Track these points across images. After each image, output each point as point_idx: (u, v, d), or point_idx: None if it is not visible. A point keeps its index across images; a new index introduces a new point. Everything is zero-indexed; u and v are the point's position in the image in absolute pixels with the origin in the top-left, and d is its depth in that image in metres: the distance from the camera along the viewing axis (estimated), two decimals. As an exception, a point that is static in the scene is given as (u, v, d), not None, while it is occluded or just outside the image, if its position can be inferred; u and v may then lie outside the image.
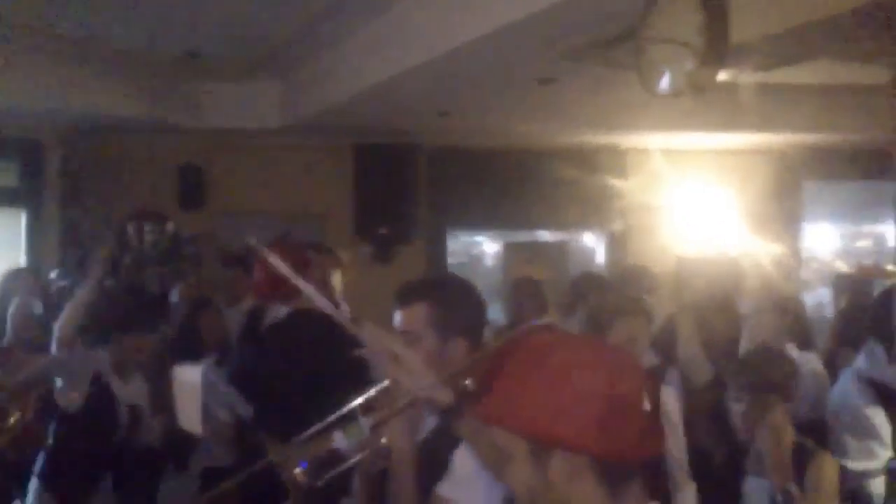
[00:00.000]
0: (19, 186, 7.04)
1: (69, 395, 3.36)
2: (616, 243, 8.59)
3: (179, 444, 3.74)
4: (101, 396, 3.57)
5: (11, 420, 2.24)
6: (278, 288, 3.55)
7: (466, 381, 1.98)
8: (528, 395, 1.41)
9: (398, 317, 2.20)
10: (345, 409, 2.03)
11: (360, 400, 2.03)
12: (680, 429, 3.28)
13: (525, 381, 1.43)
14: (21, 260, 6.80)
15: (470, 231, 8.90)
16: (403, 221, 7.91)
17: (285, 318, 3.71)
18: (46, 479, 3.45)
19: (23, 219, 7.04)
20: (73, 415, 3.52)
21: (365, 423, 1.93)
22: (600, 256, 9.00)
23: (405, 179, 7.91)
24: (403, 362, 1.98)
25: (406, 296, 2.20)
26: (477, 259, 9.20)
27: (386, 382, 2.02)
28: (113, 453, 3.56)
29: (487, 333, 2.46)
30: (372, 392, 2.04)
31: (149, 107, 6.76)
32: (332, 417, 1.99)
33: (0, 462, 2.32)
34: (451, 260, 8.60)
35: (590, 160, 8.15)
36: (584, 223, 8.73)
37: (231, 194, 7.92)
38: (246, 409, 3.25)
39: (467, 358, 2.10)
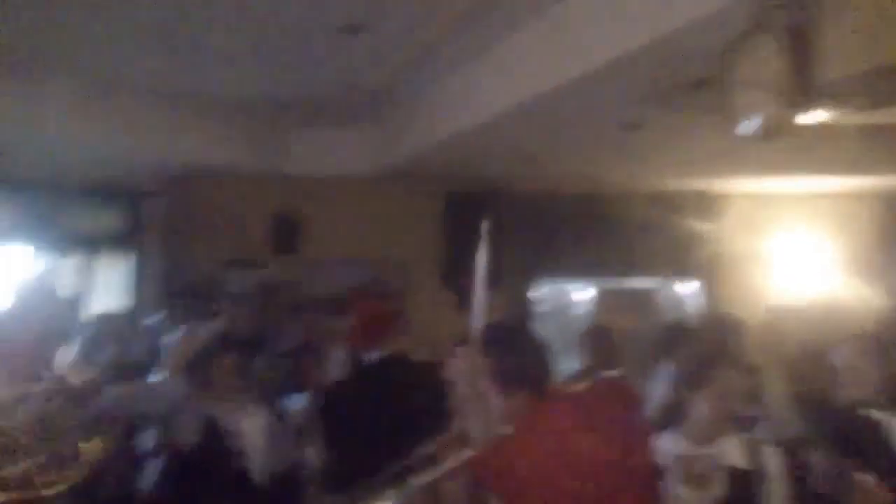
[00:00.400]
0: (124, 233, 7.35)
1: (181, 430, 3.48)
2: (706, 291, 8.39)
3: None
4: (212, 435, 3.69)
5: (94, 450, 2.32)
6: (372, 334, 3.94)
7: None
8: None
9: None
10: (397, 468, 2.07)
11: (419, 458, 2.07)
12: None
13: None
14: (125, 304, 7.08)
15: (557, 278, 8.80)
16: (490, 271, 7.88)
17: (377, 363, 3.82)
18: None
19: (127, 264, 7.33)
20: (186, 452, 3.66)
21: (414, 483, 1.98)
22: (690, 304, 8.79)
23: (492, 226, 7.91)
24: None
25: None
26: (566, 307, 9.08)
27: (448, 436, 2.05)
28: (228, 491, 3.63)
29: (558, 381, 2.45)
30: (430, 449, 2.06)
31: (244, 154, 7.02)
32: (387, 476, 2.01)
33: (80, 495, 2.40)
34: (538, 307, 8.53)
35: (679, 205, 8.03)
36: (673, 270, 8.56)
37: (323, 240, 8.08)
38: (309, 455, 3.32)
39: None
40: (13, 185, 6.32)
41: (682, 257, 8.15)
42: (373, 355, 3.98)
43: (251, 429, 3.77)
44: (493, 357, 2.20)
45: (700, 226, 8.07)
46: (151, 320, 5.58)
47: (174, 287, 7.22)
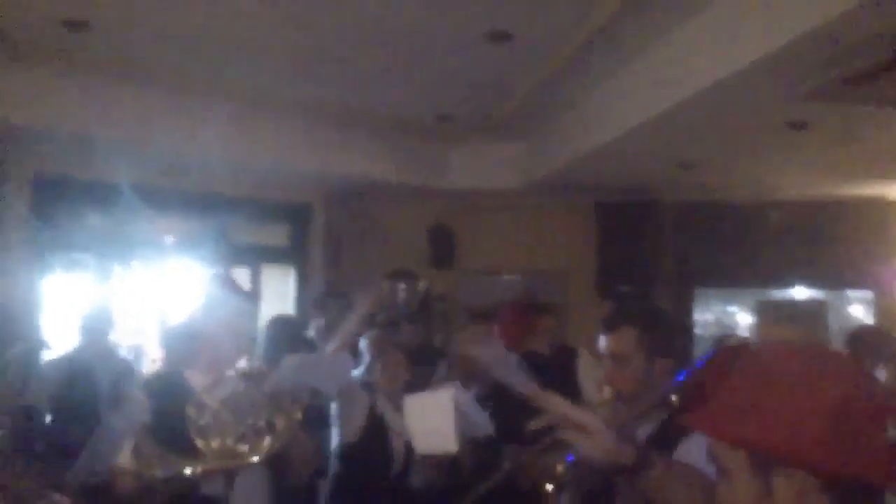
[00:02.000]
0: (289, 246, 7.71)
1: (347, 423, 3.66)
2: (877, 304, 7.94)
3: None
4: (376, 428, 3.83)
5: (280, 425, 2.47)
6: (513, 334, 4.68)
7: (673, 398, 2.09)
8: (756, 408, 1.36)
9: (605, 342, 2.37)
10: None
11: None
12: None
13: (754, 393, 1.38)
14: (290, 313, 7.41)
15: (717, 288, 8.54)
16: (646, 280, 7.81)
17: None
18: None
19: (292, 275, 7.68)
20: (352, 445, 3.82)
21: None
22: (861, 318, 8.33)
23: (647, 236, 7.84)
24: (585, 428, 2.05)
25: (613, 321, 2.39)
26: (730, 328, 8.73)
27: (607, 396, 2.16)
28: (389, 487, 3.76)
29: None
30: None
31: (402, 170, 7.24)
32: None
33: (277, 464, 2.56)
34: (697, 317, 8.32)
35: (850, 212, 7.68)
36: (843, 281, 8.16)
37: (479, 254, 8.22)
38: (489, 427, 3.39)
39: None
40: (184, 201, 6.74)
41: (852, 268, 7.77)
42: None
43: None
44: (642, 328, 2.31)
45: (873, 234, 7.68)
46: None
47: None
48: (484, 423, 3.34)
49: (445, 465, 3.60)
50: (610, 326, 2.36)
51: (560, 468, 2.06)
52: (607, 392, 2.27)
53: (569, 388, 3.17)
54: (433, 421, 3.23)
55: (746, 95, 4.52)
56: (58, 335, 6.20)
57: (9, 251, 5.76)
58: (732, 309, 8.56)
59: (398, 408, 3.82)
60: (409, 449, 3.78)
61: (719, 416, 1.42)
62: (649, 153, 6.09)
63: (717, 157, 6.33)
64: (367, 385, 4.00)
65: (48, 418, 5.08)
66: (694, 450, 1.95)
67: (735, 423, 1.37)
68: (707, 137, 5.66)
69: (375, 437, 3.84)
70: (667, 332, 2.37)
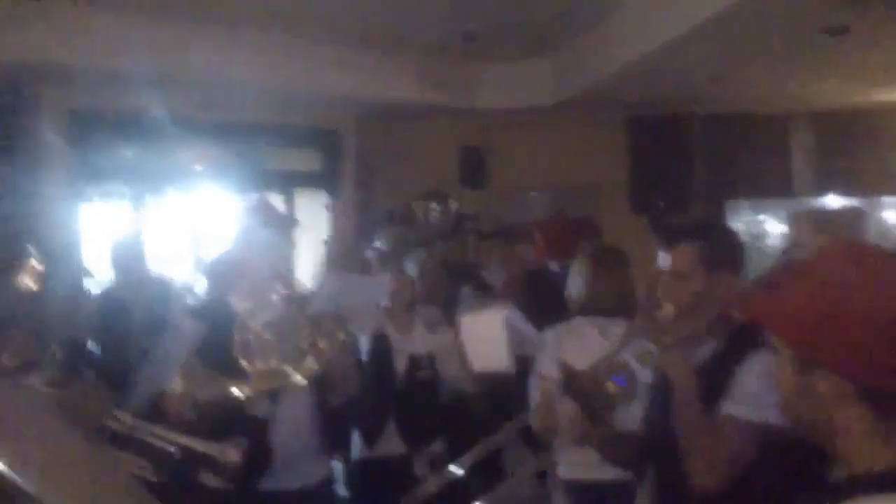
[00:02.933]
0: (320, 171, 7.70)
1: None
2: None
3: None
4: (380, 348, 3.88)
5: (323, 347, 2.53)
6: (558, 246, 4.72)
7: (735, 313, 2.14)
8: (803, 307, 1.37)
9: (666, 258, 2.36)
10: (629, 337, 2.21)
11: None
12: None
13: (804, 293, 1.40)
14: (322, 239, 7.48)
15: (751, 200, 8.46)
16: (679, 193, 7.76)
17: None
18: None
19: (323, 200, 7.72)
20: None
21: (653, 349, 2.16)
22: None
23: (680, 150, 7.76)
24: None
25: (674, 237, 2.37)
26: (759, 238, 8.69)
27: (668, 312, 2.16)
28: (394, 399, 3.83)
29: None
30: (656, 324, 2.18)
31: (430, 91, 7.17)
32: (621, 344, 2.14)
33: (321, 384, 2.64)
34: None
35: (885, 119, 7.52)
36: (879, 188, 8.03)
37: (510, 172, 8.18)
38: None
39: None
40: (216, 129, 6.74)
41: (888, 175, 7.66)
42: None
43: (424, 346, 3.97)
44: (702, 244, 2.29)
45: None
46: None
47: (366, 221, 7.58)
48: (536, 342, 3.39)
49: (499, 381, 3.69)
50: (670, 242, 2.35)
51: (612, 388, 2.13)
52: (668, 308, 2.26)
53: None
54: (487, 340, 3.30)
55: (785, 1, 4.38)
56: (97, 263, 6.34)
57: (48, 183, 5.83)
58: (762, 217, 8.46)
59: (403, 329, 3.94)
60: (414, 367, 3.90)
61: (771, 307, 1.45)
62: (684, 67, 5.97)
63: (751, 68, 6.19)
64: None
65: (95, 350, 5.22)
66: (757, 369, 2.01)
67: (782, 316, 1.40)
68: (742, 48, 5.53)
69: (379, 356, 3.86)
70: (728, 247, 2.35)
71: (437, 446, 3.98)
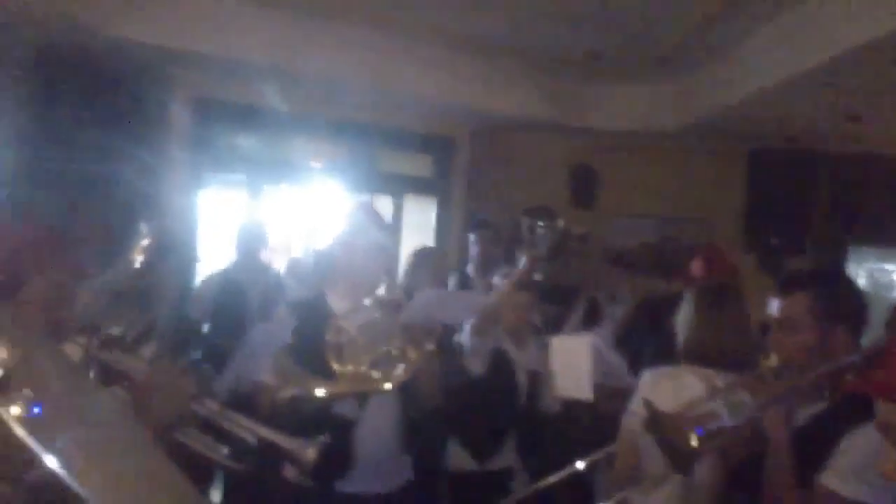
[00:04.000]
0: (432, 178, 7.76)
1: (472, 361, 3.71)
2: None
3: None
4: (500, 363, 3.86)
5: (412, 356, 2.54)
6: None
7: (848, 375, 2.03)
8: None
9: (776, 305, 2.23)
10: (728, 387, 2.10)
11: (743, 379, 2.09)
12: None
13: None
14: (430, 244, 7.52)
15: (877, 247, 8.04)
16: (797, 232, 7.46)
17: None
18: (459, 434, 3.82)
19: (433, 207, 7.76)
20: (477, 379, 3.87)
21: (749, 401, 2.04)
22: None
23: (803, 188, 7.46)
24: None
25: (787, 285, 2.23)
26: (886, 288, 8.19)
27: (772, 364, 2.05)
28: (516, 416, 3.80)
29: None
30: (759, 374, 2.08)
31: (548, 107, 7.13)
32: (717, 392, 2.05)
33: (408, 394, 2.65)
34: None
35: None
36: None
37: (620, 195, 8.05)
38: (626, 380, 3.32)
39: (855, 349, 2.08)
40: (334, 127, 6.88)
41: None
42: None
43: (538, 363, 3.91)
44: (816, 294, 2.16)
45: None
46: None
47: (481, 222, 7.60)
48: (623, 374, 3.30)
49: (580, 408, 3.63)
50: (783, 290, 2.22)
51: (693, 439, 2.01)
52: (773, 360, 2.15)
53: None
54: (572, 366, 3.23)
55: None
56: (212, 249, 6.57)
57: (171, 168, 6.07)
58: (890, 267, 8.03)
59: (521, 344, 3.90)
60: (533, 383, 3.85)
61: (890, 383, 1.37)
62: (811, 103, 5.75)
63: (882, 110, 5.89)
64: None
65: (205, 329, 5.40)
66: (862, 442, 1.87)
67: None
68: (875, 88, 5.26)
69: (500, 371, 3.85)
70: (846, 299, 2.20)
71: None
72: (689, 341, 2.81)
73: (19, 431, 0.94)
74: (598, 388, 3.38)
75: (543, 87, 7.06)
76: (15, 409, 1.00)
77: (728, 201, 7.69)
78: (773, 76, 5.37)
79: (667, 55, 6.24)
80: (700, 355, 2.73)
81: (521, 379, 3.85)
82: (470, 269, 5.42)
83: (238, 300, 5.22)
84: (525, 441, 3.79)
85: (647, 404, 2.18)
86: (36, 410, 1.01)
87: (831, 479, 1.93)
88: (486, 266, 5.35)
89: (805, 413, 2.12)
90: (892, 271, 8.04)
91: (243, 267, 5.45)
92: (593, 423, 3.24)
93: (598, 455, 2.99)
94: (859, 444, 1.88)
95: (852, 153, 7.48)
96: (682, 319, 2.87)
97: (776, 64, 5.27)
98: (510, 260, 5.92)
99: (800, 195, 7.39)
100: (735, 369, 2.51)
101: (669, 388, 2.68)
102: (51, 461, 0.92)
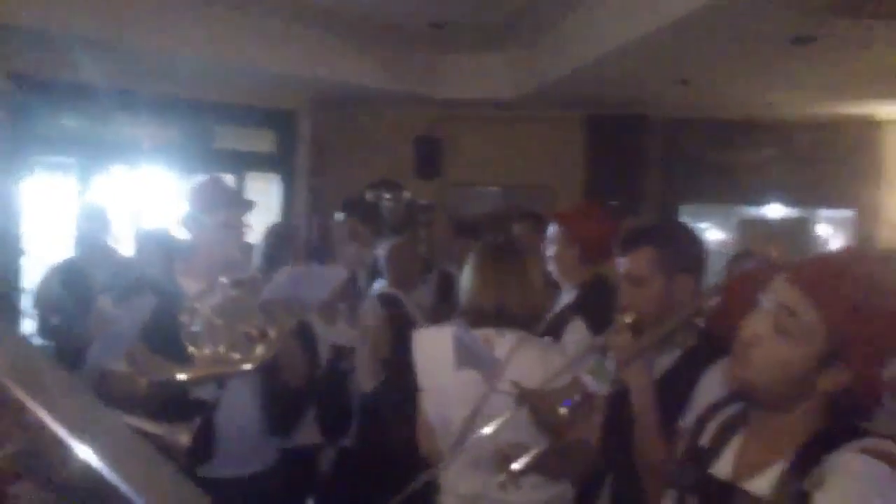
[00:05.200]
0: (275, 153, 7.57)
1: None
2: (860, 223, 7.95)
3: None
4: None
5: (272, 335, 2.45)
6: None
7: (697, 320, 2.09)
8: None
9: (623, 263, 2.26)
10: (586, 351, 2.15)
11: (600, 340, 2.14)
12: None
13: None
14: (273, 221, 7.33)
15: (701, 204, 8.51)
16: (633, 195, 7.77)
17: None
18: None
19: (277, 183, 7.57)
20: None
21: (610, 364, 2.11)
22: (836, 238, 8.34)
23: (636, 152, 7.77)
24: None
25: (630, 241, 2.26)
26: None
27: (627, 320, 2.09)
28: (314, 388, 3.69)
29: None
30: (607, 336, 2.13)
31: (391, 78, 7.07)
32: (575, 359, 2.09)
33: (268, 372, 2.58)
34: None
35: (838, 132, 7.64)
36: (825, 200, 8.15)
37: (464, 165, 8.13)
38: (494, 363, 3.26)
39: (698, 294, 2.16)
40: (169, 105, 6.56)
41: (838, 186, 7.78)
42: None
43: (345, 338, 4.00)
44: (659, 247, 2.20)
45: (858, 154, 7.66)
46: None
47: (317, 207, 7.45)
48: (490, 360, 3.26)
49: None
50: (627, 247, 2.24)
51: (563, 413, 2.06)
52: (628, 317, 2.15)
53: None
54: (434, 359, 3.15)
55: (758, 6, 4.33)
56: (39, 240, 6.11)
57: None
58: (704, 225, 8.50)
59: (329, 321, 3.99)
60: (335, 357, 3.96)
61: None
62: (645, 68, 5.95)
63: (715, 74, 6.19)
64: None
65: (54, 322, 5.02)
66: (716, 380, 1.90)
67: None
68: (707, 53, 5.50)
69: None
70: (686, 249, 2.25)
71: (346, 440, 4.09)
72: (466, 300, 2.61)
73: (50, 423, 0.82)
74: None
75: (386, 57, 6.99)
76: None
77: (569, 167, 7.89)
78: (608, 43, 5.51)
79: (508, 24, 6.30)
80: (476, 314, 2.56)
81: (325, 353, 3.85)
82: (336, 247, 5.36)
83: (85, 287, 4.86)
84: (323, 417, 3.84)
85: (514, 384, 2.21)
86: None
87: (689, 420, 1.95)
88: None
89: (660, 364, 2.17)
90: (707, 229, 8.48)
91: (87, 254, 5.10)
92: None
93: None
94: (714, 382, 1.92)
95: (680, 118, 7.85)
96: (463, 277, 2.64)
97: (611, 31, 5.41)
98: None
99: (633, 158, 7.69)
100: (524, 326, 2.54)
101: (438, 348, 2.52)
102: (86, 452, 0.81)
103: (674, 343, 2.18)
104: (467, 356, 2.41)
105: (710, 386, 1.93)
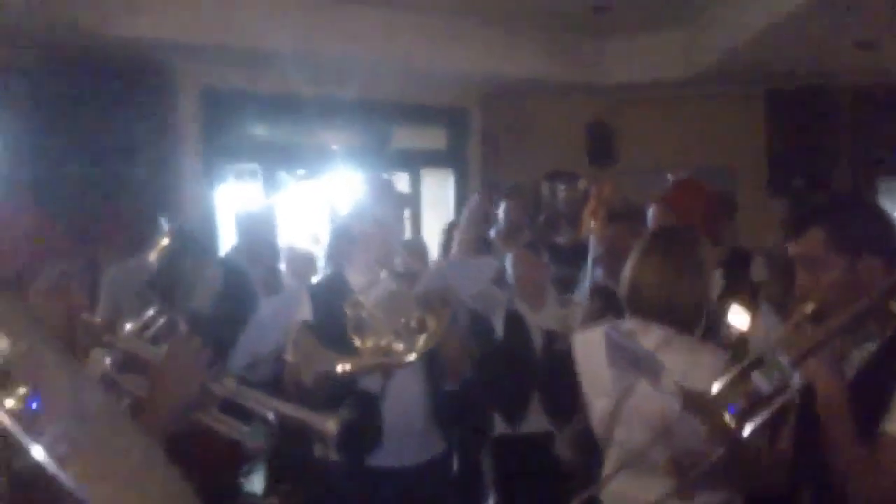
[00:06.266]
0: (447, 149, 7.71)
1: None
2: None
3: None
4: (516, 329, 3.85)
5: (432, 325, 2.50)
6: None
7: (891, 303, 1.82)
8: None
9: (793, 247, 2.04)
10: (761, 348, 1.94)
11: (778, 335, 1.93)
12: None
13: None
14: (450, 217, 7.47)
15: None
16: (822, 172, 7.31)
17: None
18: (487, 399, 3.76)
19: (450, 179, 7.71)
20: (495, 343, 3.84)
21: (785, 360, 1.78)
22: None
23: (824, 125, 7.30)
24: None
25: (798, 223, 2.04)
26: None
27: (807, 310, 1.91)
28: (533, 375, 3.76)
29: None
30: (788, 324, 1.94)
31: (559, 66, 7.04)
32: (749, 359, 1.88)
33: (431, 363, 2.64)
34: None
35: None
36: None
37: (639, 149, 7.94)
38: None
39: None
40: (347, 109, 6.80)
41: None
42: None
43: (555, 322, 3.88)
44: (832, 227, 1.97)
45: None
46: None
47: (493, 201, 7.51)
48: (647, 359, 3.17)
49: None
50: (795, 229, 2.02)
51: (728, 420, 1.77)
52: (808, 306, 1.91)
53: (746, 296, 2.68)
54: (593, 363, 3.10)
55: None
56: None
57: (182, 163, 6.06)
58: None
59: (536, 308, 3.92)
60: (549, 342, 3.82)
61: None
62: (822, 33, 5.60)
63: (893, 34, 5.72)
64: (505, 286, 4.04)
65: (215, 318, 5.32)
66: None
67: None
68: (887, 12, 5.11)
69: (517, 336, 3.84)
70: (866, 227, 1.98)
71: (577, 423, 3.92)
72: (631, 289, 2.44)
73: (7, 422, 0.92)
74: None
75: (552, 46, 6.96)
76: (10, 402, 0.99)
77: (750, 145, 7.54)
78: (781, 7, 5.23)
79: (672, 2, 6.11)
80: (641, 305, 2.40)
81: (538, 340, 3.83)
82: (493, 235, 5.39)
83: (242, 283, 5.10)
84: (547, 403, 3.74)
85: (678, 386, 1.98)
86: (34, 406, 0.99)
87: (894, 425, 1.76)
88: (513, 233, 5.35)
89: (857, 357, 1.95)
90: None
91: (245, 252, 5.34)
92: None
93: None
94: None
95: (871, 83, 7.30)
96: (628, 266, 2.48)
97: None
98: (531, 226, 5.89)
99: (821, 132, 7.23)
100: (682, 322, 2.35)
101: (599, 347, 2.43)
102: (38, 452, 0.91)
103: (868, 335, 1.93)
104: (621, 356, 2.33)
105: None
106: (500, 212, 5.46)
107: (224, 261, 5.40)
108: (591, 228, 4.56)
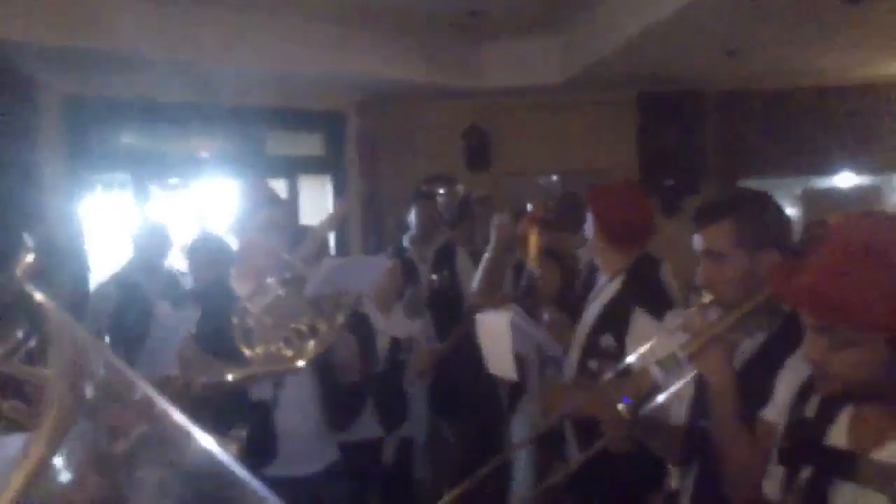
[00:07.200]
0: (324, 155, 7.60)
1: None
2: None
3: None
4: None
5: (322, 330, 2.43)
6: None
7: None
8: (873, 287, 1.31)
9: (699, 240, 2.08)
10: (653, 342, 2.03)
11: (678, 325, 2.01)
12: None
13: (865, 274, 1.34)
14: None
15: (764, 178, 8.31)
16: (691, 172, 7.62)
17: None
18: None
19: (328, 185, 7.61)
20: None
21: (680, 353, 1.90)
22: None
23: (691, 128, 7.61)
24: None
25: (707, 215, 2.08)
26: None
27: (705, 301, 1.98)
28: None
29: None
30: (685, 320, 2.01)
31: (434, 71, 7.04)
32: (643, 350, 1.96)
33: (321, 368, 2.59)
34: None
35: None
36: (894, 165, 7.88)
37: (516, 154, 8.06)
38: (556, 349, 3.19)
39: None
40: (218, 115, 6.59)
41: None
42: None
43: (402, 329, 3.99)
44: (738, 220, 2.02)
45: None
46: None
47: (371, 207, 7.47)
48: (552, 344, 3.19)
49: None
50: (703, 221, 2.06)
51: (623, 411, 1.92)
52: (706, 297, 1.99)
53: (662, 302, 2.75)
54: (495, 344, 3.10)
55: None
56: (102, 257, 6.24)
57: (44, 173, 5.72)
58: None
59: (385, 313, 3.96)
60: (393, 349, 3.96)
61: (837, 301, 1.36)
62: (691, 40, 5.81)
63: (765, 42, 6.02)
64: None
65: (106, 339, 5.10)
66: (801, 368, 1.75)
67: (857, 305, 1.33)
68: (755, 21, 5.36)
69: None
70: (770, 220, 2.04)
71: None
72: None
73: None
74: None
75: (428, 51, 6.96)
76: None
77: (624, 149, 7.77)
78: (650, 16, 5.38)
79: (546, 7, 6.21)
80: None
81: (383, 345, 3.83)
82: (406, 240, 5.36)
83: (138, 302, 4.94)
84: (382, 408, 3.76)
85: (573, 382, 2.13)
86: None
87: (772, 413, 1.83)
88: (426, 237, 5.38)
89: (749, 345, 2.02)
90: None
91: (141, 269, 5.19)
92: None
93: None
94: (792, 374, 1.79)
95: (735, 90, 7.66)
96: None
97: (653, 4, 5.31)
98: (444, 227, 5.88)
99: (689, 135, 7.54)
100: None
101: None
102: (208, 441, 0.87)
103: (760, 327, 2.00)
104: (523, 339, 2.38)
105: (793, 377, 1.78)
106: (411, 216, 5.41)
107: (116, 277, 5.18)
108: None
